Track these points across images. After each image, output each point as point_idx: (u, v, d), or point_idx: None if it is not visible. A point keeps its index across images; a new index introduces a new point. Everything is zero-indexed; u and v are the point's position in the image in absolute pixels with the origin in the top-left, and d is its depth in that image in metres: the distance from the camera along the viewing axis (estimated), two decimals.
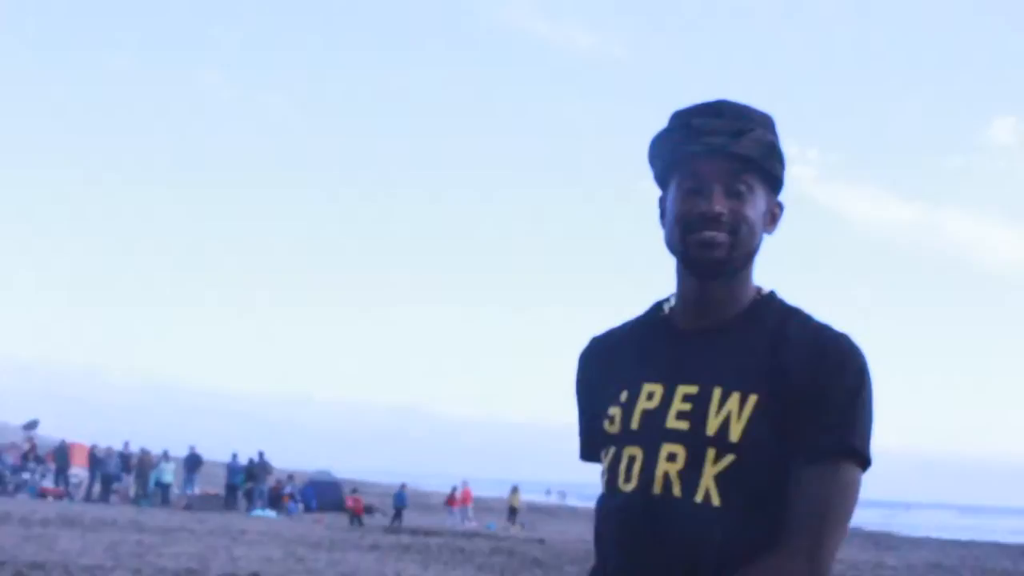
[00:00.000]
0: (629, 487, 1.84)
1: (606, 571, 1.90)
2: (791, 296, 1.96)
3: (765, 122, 1.92)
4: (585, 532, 34.94)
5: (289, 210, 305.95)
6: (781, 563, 1.72)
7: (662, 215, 1.96)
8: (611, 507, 1.88)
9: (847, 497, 1.76)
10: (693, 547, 1.76)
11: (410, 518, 34.85)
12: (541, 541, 26.96)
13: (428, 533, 27.90)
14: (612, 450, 1.90)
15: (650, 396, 1.87)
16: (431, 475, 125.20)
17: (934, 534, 44.13)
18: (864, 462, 1.78)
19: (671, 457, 1.80)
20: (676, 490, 1.79)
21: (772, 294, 1.96)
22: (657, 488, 1.80)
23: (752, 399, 1.79)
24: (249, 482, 34.99)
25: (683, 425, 1.81)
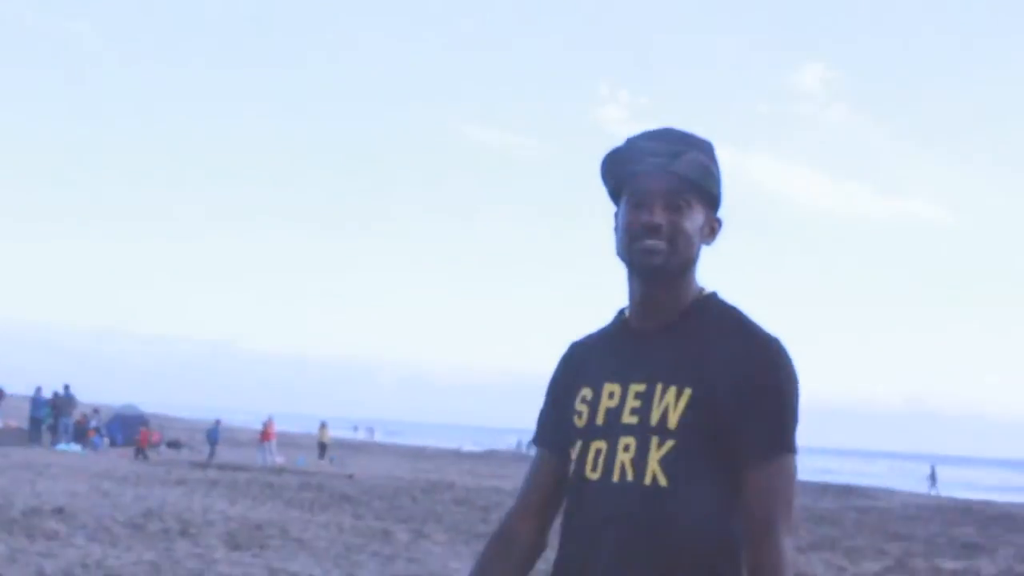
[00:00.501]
0: (595, 476, 2.12)
1: (570, 549, 2.16)
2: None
3: (703, 147, 2.17)
4: (393, 467, 35.39)
5: (88, 133, 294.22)
6: (768, 546, 2.00)
7: (615, 227, 2.20)
8: (581, 493, 2.15)
9: (792, 483, 2.08)
10: (648, 523, 2.05)
11: (221, 454, 34.65)
12: (350, 476, 27.13)
13: (237, 468, 27.86)
14: (579, 443, 2.18)
15: (611, 395, 2.15)
16: (242, 411, 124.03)
17: None
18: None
19: (626, 448, 2.09)
20: (630, 476, 2.07)
21: (713, 295, 2.21)
22: (616, 476, 2.09)
23: (687, 392, 2.06)
24: (54, 416, 34.13)
25: (634, 420, 2.10)
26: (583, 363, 2.28)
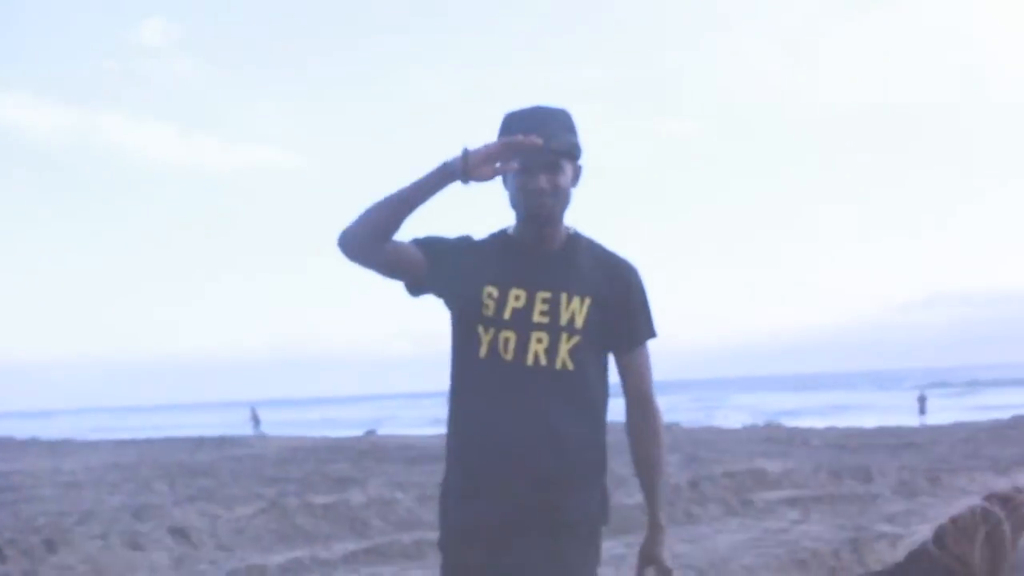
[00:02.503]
0: (508, 357, 2.85)
1: (478, 414, 2.89)
2: None
3: (566, 121, 2.92)
4: None
5: None
6: (649, 407, 3.00)
7: (504, 182, 2.93)
8: (494, 369, 2.86)
9: (650, 360, 3.06)
10: (557, 395, 2.85)
11: None
12: None
13: None
14: (492, 330, 2.88)
15: (517, 298, 2.88)
16: None
17: (108, 436, 44.36)
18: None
19: (539, 340, 2.85)
20: (543, 361, 2.85)
21: (577, 231, 3.02)
22: (529, 361, 2.85)
23: (587, 300, 2.89)
24: None
25: (544, 319, 2.87)
26: (482, 259, 2.95)
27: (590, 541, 2.94)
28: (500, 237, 3.01)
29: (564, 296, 2.88)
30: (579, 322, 2.87)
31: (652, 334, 3.02)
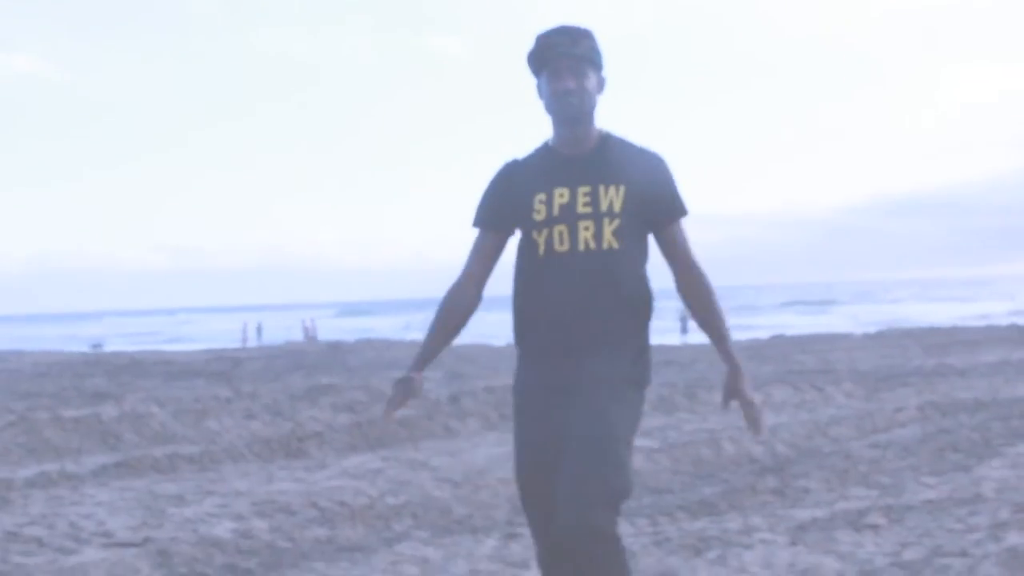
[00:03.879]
0: (564, 248, 3.36)
1: (541, 302, 3.41)
2: None
3: (589, 35, 3.44)
4: None
5: None
6: (696, 269, 3.49)
7: (540, 94, 3.48)
8: (552, 261, 3.37)
9: (687, 234, 3.52)
10: (609, 271, 3.36)
11: None
12: None
13: None
14: (545, 230, 3.38)
15: (561, 195, 3.39)
16: None
17: None
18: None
19: (586, 228, 3.35)
20: (592, 246, 3.35)
21: (609, 132, 3.51)
22: (581, 247, 3.35)
23: (622, 188, 3.38)
24: None
25: (588, 210, 3.37)
26: (528, 175, 3.47)
27: (620, 393, 3.34)
28: (541, 149, 3.52)
29: (602, 187, 3.37)
30: (617, 207, 3.36)
31: (684, 211, 3.49)
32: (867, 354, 23.05)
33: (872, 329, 36.32)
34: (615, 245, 3.35)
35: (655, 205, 3.44)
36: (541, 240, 3.39)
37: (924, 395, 13.40)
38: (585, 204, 3.37)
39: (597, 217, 3.36)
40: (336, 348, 31.36)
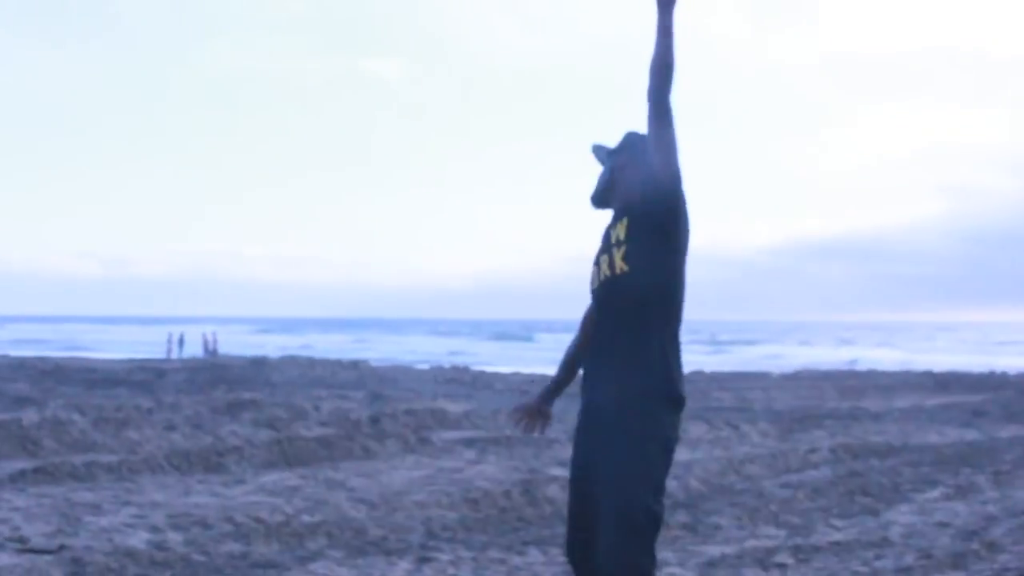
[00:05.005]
0: (593, 285, 3.83)
1: (587, 336, 3.90)
2: None
3: (626, 137, 3.95)
4: None
5: None
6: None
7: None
8: (593, 296, 3.84)
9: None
10: (622, 291, 3.69)
11: None
12: None
13: None
14: (593, 266, 3.85)
15: (599, 246, 3.85)
16: None
17: None
18: None
19: (606, 261, 3.76)
20: (607, 272, 3.75)
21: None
22: (602, 277, 3.77)
23: (625, 219, 3.76)
24: None
25: (604, 245, 3.81)
26: None
27: (637, 435, 3.60)
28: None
29: (613, 230, 3.77)
30: (623, 236, 3.71)
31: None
32: (784, 394, 23.56)
33: (789, 370, 37.05)
34: (625, 268, 3.68)
35: (638, 184, 3.78)
36: (592, 275, 3.88)
37: (837, 437, 13.75)
38: (604, 244, 3.80)
39: (609, 249, 3.75)
40: (260, 364, 31.24)
